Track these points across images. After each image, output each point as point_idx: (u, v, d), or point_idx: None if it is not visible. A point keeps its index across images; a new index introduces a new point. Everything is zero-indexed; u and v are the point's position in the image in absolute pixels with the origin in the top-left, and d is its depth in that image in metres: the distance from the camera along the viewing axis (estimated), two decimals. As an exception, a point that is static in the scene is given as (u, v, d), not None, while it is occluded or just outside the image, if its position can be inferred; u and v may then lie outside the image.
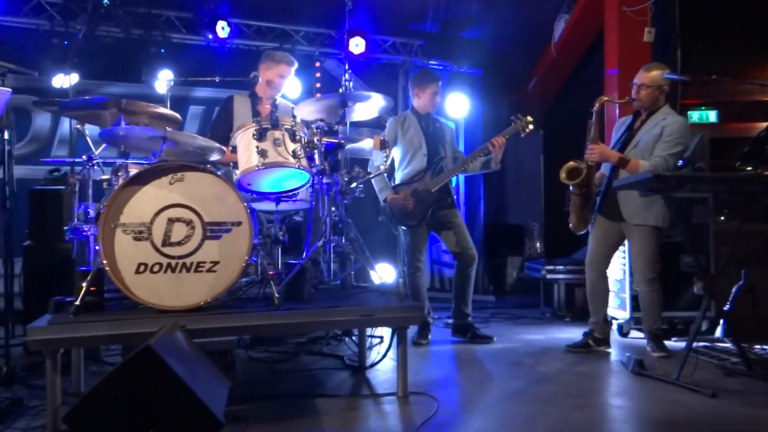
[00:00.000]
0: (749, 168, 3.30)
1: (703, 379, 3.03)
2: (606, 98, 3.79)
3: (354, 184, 3.35)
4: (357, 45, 6.21)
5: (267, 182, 3.04)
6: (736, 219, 3.53)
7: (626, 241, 3.85)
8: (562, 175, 3.74)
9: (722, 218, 5.01)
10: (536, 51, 7.41)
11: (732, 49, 6.90)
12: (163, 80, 5.39)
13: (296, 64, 3.87)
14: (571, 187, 3.75)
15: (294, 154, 2.93)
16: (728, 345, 3.78)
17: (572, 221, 3.82)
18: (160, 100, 5.76)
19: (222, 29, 5.88)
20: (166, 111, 3.24)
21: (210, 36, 5.91)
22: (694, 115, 7.69)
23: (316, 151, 3.07)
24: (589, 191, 3.75)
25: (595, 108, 3.72)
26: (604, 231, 3.79)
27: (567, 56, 6.83)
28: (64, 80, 5.20)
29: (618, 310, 4.50)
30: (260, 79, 3.75)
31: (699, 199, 4.28)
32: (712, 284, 3.27)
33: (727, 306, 3.70)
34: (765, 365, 3.16)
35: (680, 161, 3.74)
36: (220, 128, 3.73)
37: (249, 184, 3.02)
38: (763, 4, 5.92)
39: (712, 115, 7.84)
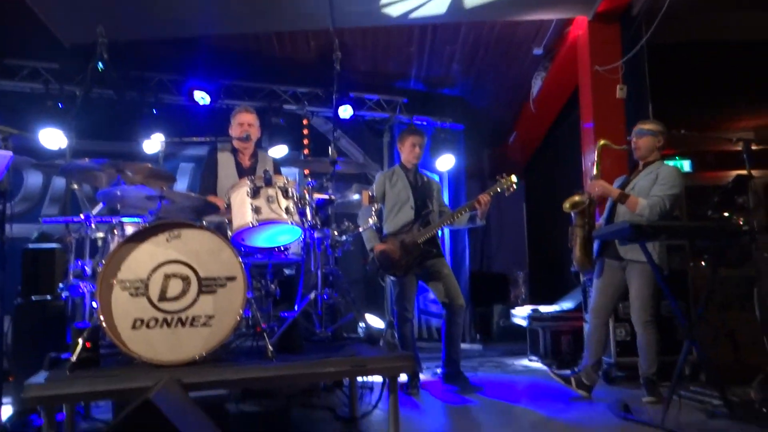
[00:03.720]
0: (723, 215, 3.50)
1: (688, 423, 3.11)
2: (604, 141, 3.99)
3: (344, 238, 3.47)
4: (345, 110, 6.48)
5: (261, 238, 3.14)
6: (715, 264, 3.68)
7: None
8: (566, 205, 3.97)
9: (702, 263, 5.17)
10: (515, 107, 7.72)
11: (703, 100, 7.24)
12: (155, 141, 5.57)
13: (252, 110, 4.07)
14: (573, 221, 3.92)
15: (287, 211, 3.04)
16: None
17: (576, 258, 3.94)
18: (150, 159, 5.94)
19: (201, 99, 6.12)
20: (161, 170, 3.37)
21: (199, 97, 6.10)
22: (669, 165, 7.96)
23: (307, 206, 3.19)
24: (591, 225, 3.92)
25: (595, 149, 3.94)
26: (608, 278, 3.89)
27: (545, 111, 7.12)
28: (59, 141, 5.33)
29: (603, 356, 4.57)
30: (232, 135, 3.97)
31: (677, 246, 4.43)
32: (692, 329, 3.38)
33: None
34: (745, 407, 3.24)
35: None
36: (208, 178, 3.92)
37: (243, 240, 3.12)
38: (728, 59, 6.26)
39: (686, 165, 8.11)
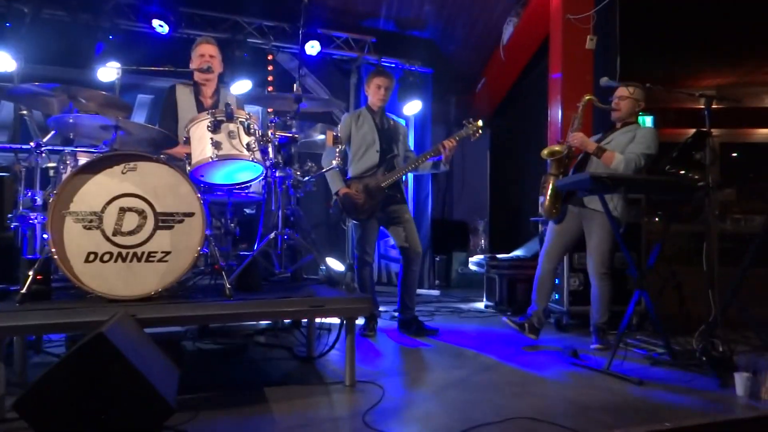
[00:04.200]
0: (680, 171, 3.56)
1: (632, 368, 3.25)
2: (590, 97, 3.98)
3: (306, 178, 3.42)
4: (312, 47, 6.29)
5: (220, 174, 3.07)
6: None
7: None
8: (545, 153, 4.01)
9: (656, 219, 5.32)
10: (485, 53, 7.62)
11: (669, 57, 7.31)
12: (111, 68, 5.30)
13: (213, 41, 3.89)
14: (548, 169, 3.96)
15: (248, 147, 2.97)
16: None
17: (545, 206, 3.98)
18: (106, 87, 5.68)
19: (160, 26, 5.81)
20: (117, 99, 3.23)
21: (157, 25, 5.81)
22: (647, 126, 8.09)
23: (269, 144, 3.12)
24: (565, 175, 3.96)
25: (580, 103, 3.93)
26: (567, 224, 3.96)
27: (514, 59, 7.05)
28: (6, 63, 5.04)
29: (555, 304, 4.71)
30: (192, 68, 3.78)
31: (633, 200, 4.53)
32: (642, 280, 3.49)
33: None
34: (687, 355, 3.40)
35: None
36: (167, 120, 3.71)
37: (202, 176, 3.05)
38: (698, 17, 6.29)
39: (648, 121, 8.25)
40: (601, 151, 3.77)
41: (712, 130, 3.52)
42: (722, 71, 7.82)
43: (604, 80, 3.85)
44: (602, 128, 4.36)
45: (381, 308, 4.75)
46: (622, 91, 3.93)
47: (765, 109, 7.98)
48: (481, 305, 5.85)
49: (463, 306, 5.85)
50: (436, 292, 6.83)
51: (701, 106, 3.49)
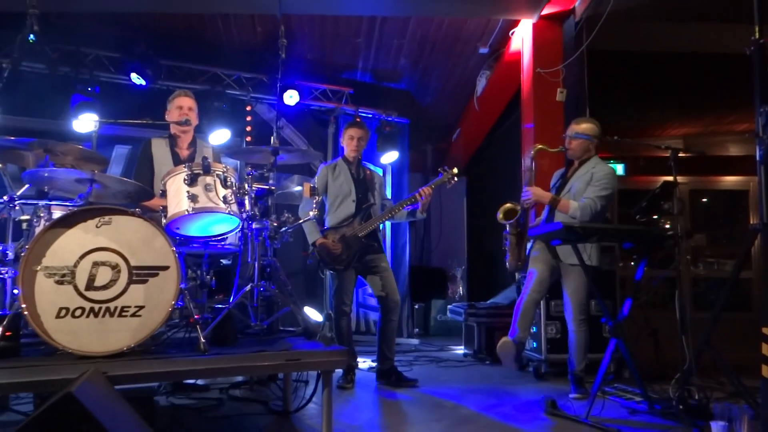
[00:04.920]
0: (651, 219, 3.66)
1: (611, 418, 3.25)
2: (540, 146, 4.02)
3: (283, 229, 3.43)
4: (291, 97, 6.38)
5: (196, 227, 3.06)
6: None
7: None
8: (500, 215, 4.03)
9: (632, 263, 5.39)
10: (460, 104, 7.82)
11: (637, 108, 7.55)
12: (87, 121, 5.33)
13: (190, 94, 3.92)
14: (507, 229, 3.98)
15: (225, 200, 2.98)
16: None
17: (509, 261, 4.02)
18: (83, 138, 5.68)
19: (137, 79, 5.86)
20: (94, 153, 3.24)
21: (135, 78, 5.87)
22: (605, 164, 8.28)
23: (246, 196, 3.13)
24: (524, 231, 4.00)
25: (531, 155, 3.99)
26: (546, 258, 3.93)
27: (488, 110, 7.24)
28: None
29: (533, 353, 4.71)
30: (169, 120, 3.82)
31: (606, 247, 4.61)
32: (617, 328, 3.52)
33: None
34: (663, 404, 3.41)
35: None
36: (142, 174, 3.72)
37: (178, 228, 3.04)
38: (663, 69, 6.54)
39: (619, 168, 8.45)
40: (557, 202, 3.83)
41: (682, 177, 3.63)
42: (688, 121, 8.10)
43: (571, 130, 3.98)
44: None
45: (360, 358, 4.70)
46: (572, 129, 3.97)
47: (730, 158, 8.24)
48: (460, 353, 5.82)
49: (443, 354, 5.82)
50: (415, 341, 6.78)
51: (668, 155, 3.61)
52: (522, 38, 5.91)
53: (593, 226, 3.57)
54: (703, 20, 5.61)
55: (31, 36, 4.47)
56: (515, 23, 5.97)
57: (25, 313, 2.50)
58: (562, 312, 4.07)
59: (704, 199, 8.82)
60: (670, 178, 3.57)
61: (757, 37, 2.99)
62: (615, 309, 4.55)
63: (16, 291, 2.60)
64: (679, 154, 3.69)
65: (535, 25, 5.66)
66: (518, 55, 6.00)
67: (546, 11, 5.52)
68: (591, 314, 4.36)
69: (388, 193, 7.10)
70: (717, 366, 3.85)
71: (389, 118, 7.08)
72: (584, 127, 3.95)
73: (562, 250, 3.80)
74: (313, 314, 4.96)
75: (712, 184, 8.39)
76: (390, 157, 6.97)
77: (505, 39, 6.30)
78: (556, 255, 3.88)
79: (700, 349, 3.59)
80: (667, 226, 4.00)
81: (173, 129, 3.83)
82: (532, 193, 3.89)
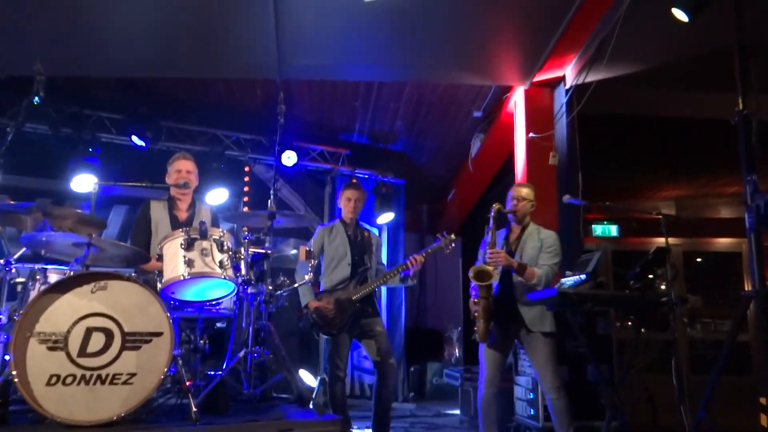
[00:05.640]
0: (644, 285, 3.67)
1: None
2: (498, 206, 3.92)
3: (278, 293, 3.44)
4: (289, 158, 6.48)
5: (192, 291, 3.07)
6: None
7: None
8: (471, 274, 3.76)
9: (630, 323, 5.36)
10: (455, 165, 7.94)
11: (629, 170, 7.69)
12: (86, 181, 5.40)
13: (190, 157, 3.97)
14: (475, 294, 3.81)
15: (221, 264, 3.00)
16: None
17: (479, 329, 3.72)
18: (83, 197, 5.74)
19: (137, 140, 5.99)
20: (91, 216, 3.27)
21: (135, 140, 5.98)
22: (597, 229, 8.37)
23: (242, 261, 3.15)
24: (492, 295, 3.84)
25: (492, 215, 3.92)
26: (499, 346, 3.83)
27: (482, 172, 7.35)
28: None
29: (530, 419, 4.62)
30: (168, 182, 3.86)
31: (602, 311, 4.60)
32: (614, 394, 3.49)
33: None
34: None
35: (584, 276, 4.02)
36: (139, 235, 3.74)
37: (173, 293, 3.04)
38: (652, 132, 6.70)
39: (613, 229, 8.55)
40: (523, 268, 3.72)
41: (675, 239, 3.67)
42: (680, 183, 8.22)
43: (566, 198, 4.04)
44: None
45: (354, 424, 4.60)
46: (519, 191, 3.95)
47: (722, 220, 8.34)
48: (456, 418, 5.71)
49: (439, 420, 5.70)
50: (410, 406, 6.65)
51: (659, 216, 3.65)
52: (515, 103, 6.07)
53: (588, 293, 3.57)
54: (690, 88, 5.79)
55: (36, 98, 4.59)
56: (508, 88, 6.15)
57: (16, 380, 2.48)
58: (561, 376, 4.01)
59: (699, 260, 8.89)
60: (663, 241, 3.60)
61: (741, 108, 3.08)
62: (612, 374, 4.50)
63: (7, 357, 2.58)
64: (674, 213, 3.73)
65: (527, 91, 5.82)
66: (511, 118, 6.15)
67: (537, 78, 5.69)
68: (585, 379, 4.35)
69: (384, 253, 7.13)
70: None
71: (385, 179, 7.19)
72: (527, 191, 3.95)
73: (531, 317, 3.70)
74: (307, 378, 4.90)
75: (705, 245, 8.47)
76: (386, 217, 7.03)
77: (498, 103, 6.47)
78: (518, 327, 3.78)
79: (698, 417, 3.55)
80: (663, 287, 4.01)
81: (172, 191, 3.88)
82: (503, 256, 3.73)
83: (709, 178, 7.95)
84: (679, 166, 7.60)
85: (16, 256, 3.13)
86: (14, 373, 2.48)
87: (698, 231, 7.98)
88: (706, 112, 5.96)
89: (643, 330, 3.97)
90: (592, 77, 5.28)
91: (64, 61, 5.15)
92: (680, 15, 4.03)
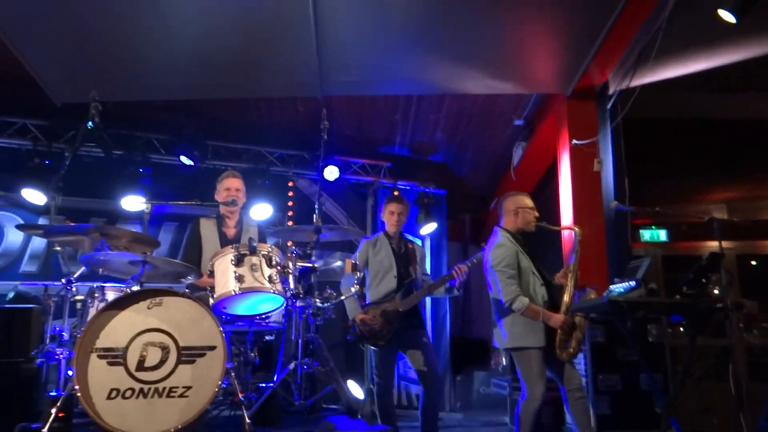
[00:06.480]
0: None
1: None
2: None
3: (326, 305, 3.49)
4: (331, 173, 6.54)
5: (243, 306, 3.15)
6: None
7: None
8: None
9: (681, 329, 5.22)
10: (497, 174, 7.90)
11: (677, 174, 7.50)
12: (137, 201, 5.60)
13: (238, 175, 4.06)
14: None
15: (270, 279, 3.06)
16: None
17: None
18: (135, 216, 5.94)
19: (186, 159, 6.17)
20: (145, 235, 3.39)
21: (184, 160, 6.17)
22: (646, 234, 8.17)
23: (290, 275, 3.21)
24: None
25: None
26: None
27: (525, 180, 7.28)
28: (40, 199, 5.34)
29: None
30: (217, 200, 3.96)
31: (655, 318, 4.49)
32: (671, 406, 3.40)
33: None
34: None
35: (633, 282, 3.92)
36: (190, 252, 3.84)
37: (224, 308, 3.12)
38: (700, 135, 6.54)
39: (662, 234, 8.33)
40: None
41: (728, 243, 3.56)
42: (731, 186, 7.97)
43: (613, 204, 3.98)
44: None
45: (402, 435, 4.60)
46: (530, 202, 3.95)
47: (776, 222, 8.05)
48: (506, 429, 5.64)
49: (487, 430, 5.65)
50: (459, 416, 6.60)
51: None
52: (557, 110, 6.01)
53: (639, 300, 3.49)
54: (738, 90, 5.64)
55: (91, 123, 4.81)
56: (550, 96, 6.10)
57: (78, 394, 2.58)
58: (613, 386, 3.95)
59: (753, 263, 8.58)
60: (715, 246, 3.50)
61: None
62: (666, 383, 4.39)
63: (70, 372, 2.69)
64: (721, 223, 3.63)
65: (569, 98, 5.75)
66: (553, 126, 6.09)
67: (580, 85, 5.62)
68: (640, 388, 4.25)
69: (428, 263, 7.12)
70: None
71: (427, 190, 7.20)
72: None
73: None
74: (355, 389, 4.92)
75: (759, 248, 8.17)
76: (429, 228, 7.03)
77: (540, 111, 6.42)
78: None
79: (759, 425, 3.43)
80: (716, 291, 3.89)
81: (221, 209, 3.98)
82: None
83: (760, 180, 7.69)
84: (728, 168, 7.37)
85: (75, 275, 3.27)
86: (77, 387, 2.59)
87: (752, 234, 7.71)
88: (754, 113, 5.79)
89: (698, 337, 3.85)
90: (636, 82, 5.19)
91: (115, 87, 5.39)
92: (727, 16, 3.94)
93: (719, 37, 4.60)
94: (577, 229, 3.85)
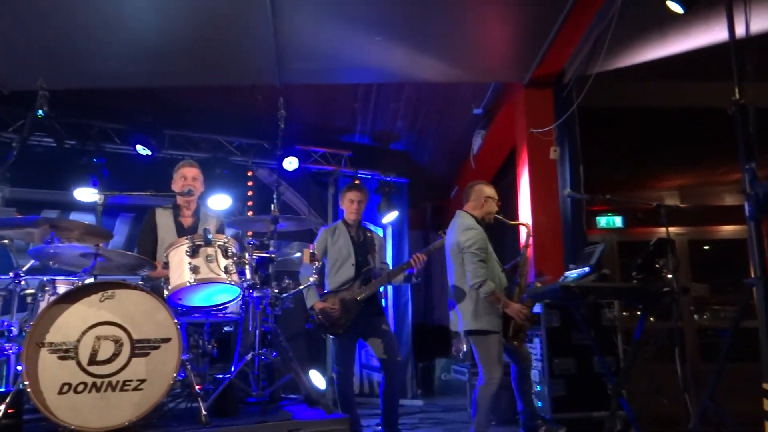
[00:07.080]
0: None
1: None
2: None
3: (284, 295, 3.48)
4: (290, 163, 6.50)
5: (198, 297, 3.12)
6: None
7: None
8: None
9: (638, 312, 5.36)
10: (457, 162, 7.98)
11: (631, 161, 7.69)
12: (90, 192, 5.47)
13: (195, 164, 4.00)
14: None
15: (226, 270, 3.04)
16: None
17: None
18: (89, 207, 5.80)
19: (143, 149, 6.05)
20: (97, 227, 3.32)
21: (141, 149, 6.05)
22: (602, 221, 8.37)
23: (247, 265, 3.20)
24: None
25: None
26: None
27: (484, 168, 7.37)
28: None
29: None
30: (174, 189, 3.88)
31: (607, 302, 4.61)
32: (620, 386, 3.51)
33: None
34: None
35: (587, 268, 4.06)
36: (146, 243, 3.78)
37: (180, 299, 3.09)
38: (653, 123, 6.70)
39: (618, 221, 8.55)
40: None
41: (679, 228, 3.69)
42: (683, 172, 8.21)
43: (566, 192, 4.07)
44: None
45: (363, 422, 4.64)
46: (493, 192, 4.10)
47: (727, 207, 8.32)
48: (465, 414, 5.74)
49: (447, 416, 5.74)
50: (419, 402, 6.68)
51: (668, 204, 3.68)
52: (514, 99, 6.08)
53: (590, 285, 3.60)
54: (689, 78, 5.79)
55: (40, 112, 4.66)
56: (508, 85, 6.17)
57: (28, 389, 2.53)
58: (568, 369, 4.07)
59: (706, 248, 8.88)
60: (663, 237, 3.62)
61: (737, 97, 3.09)
62: (618, 366, 4.52)
63: (19, 367, 2.63)
64: (677, 205, 3.76)
65: (526, 87, 5.84)
66: (512, 114, 6.17)
67: (536, 74, 5.69)
68: (593, 371, 4.39)
69: (389, 251, 7.16)
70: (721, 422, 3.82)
71: (388, 179, 7.22)
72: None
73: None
74: (317, 378, 4.94)
75: (711, 233, 8.46)
76: (391, 216, 7.07)
77: (498, 99, 6.49)
78: None
79: (704, 406, 3.57)
80: (669, 276, 4.03)
81: (178, 199, 3.92)
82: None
83: (711, 167, 7.94)
84: (681, 155, 7.59)
85: (25, 269, 3.19)
86: (27, 383, 2.53)
87: (703, 219, 7.98)
88: (705, 101, 5.96)
89: (651, 319, 3.99)
90: (591, 71, 5.29)
91: (66, 74, 5.24)
92: (675, 7, 4.04)
93: (669, 27, 4.71)
94: (528, 226, 3.98)
